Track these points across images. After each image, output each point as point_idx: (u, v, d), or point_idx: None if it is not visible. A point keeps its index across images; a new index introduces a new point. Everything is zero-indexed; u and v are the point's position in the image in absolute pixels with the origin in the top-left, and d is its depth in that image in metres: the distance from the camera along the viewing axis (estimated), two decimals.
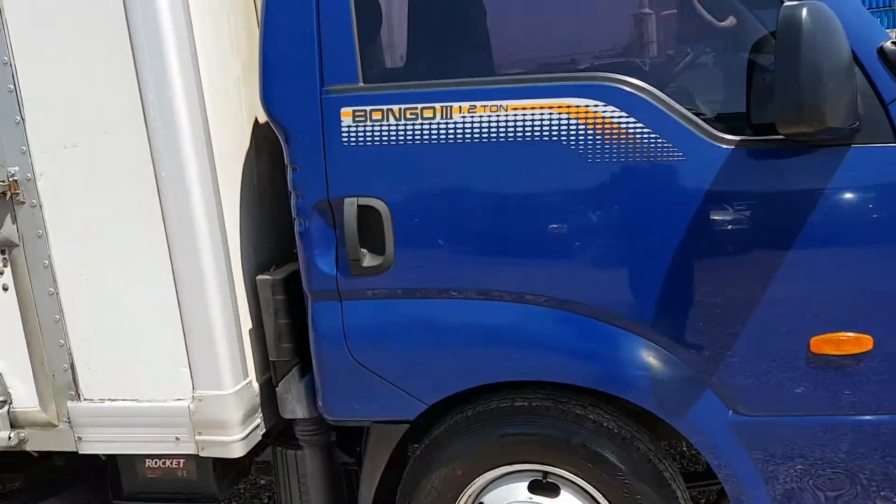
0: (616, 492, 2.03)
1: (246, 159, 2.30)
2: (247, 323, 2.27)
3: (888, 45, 1.74)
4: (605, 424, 2.02)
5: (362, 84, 1.99)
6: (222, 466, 2.47)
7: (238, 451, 2.23)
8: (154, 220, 2.11)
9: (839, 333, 1.83)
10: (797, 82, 1.58)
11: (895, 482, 1.90)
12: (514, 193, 1.94)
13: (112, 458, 2.56)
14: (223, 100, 2.19)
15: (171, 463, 2.52)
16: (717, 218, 1.83)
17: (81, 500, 2.72)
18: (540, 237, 1.93)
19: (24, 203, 2.19)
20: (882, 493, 1.92)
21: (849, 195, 1.78)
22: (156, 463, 2.53)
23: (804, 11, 1.56)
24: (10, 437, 2.34)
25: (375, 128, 1.97)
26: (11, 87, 2.13)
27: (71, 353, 2.28)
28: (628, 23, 2.05)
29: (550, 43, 2.07)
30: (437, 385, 2.06)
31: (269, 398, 2.33)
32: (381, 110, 1.96)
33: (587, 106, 1.85)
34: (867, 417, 1.88)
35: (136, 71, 2.03)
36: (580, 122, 1.86)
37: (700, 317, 1.89)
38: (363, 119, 1.97)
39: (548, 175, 1.90)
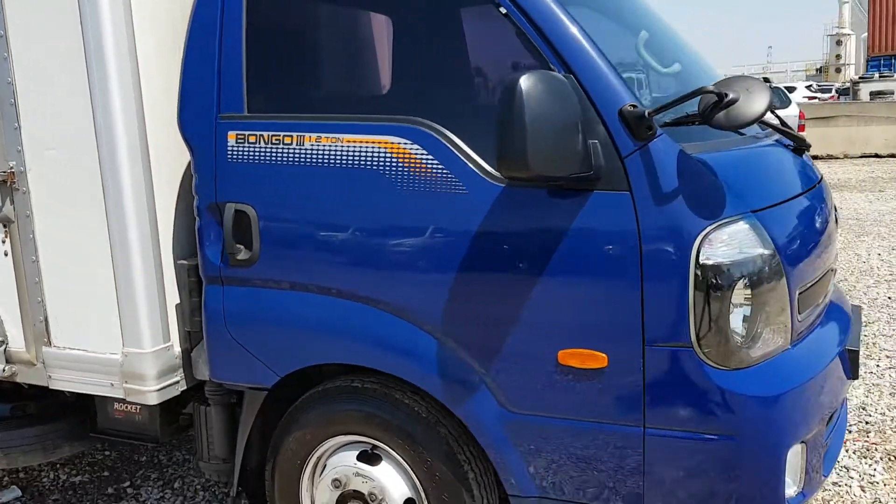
0: (420, 467, 2.40)
1: (185, 163, 2.84)
2: (174, 299, 2.82)
3: (627, 107, 2.03)
4: (417, 409, 2.39)
5: (246, 114, 2.49)
6: (167, 415, 3.04)
7: (152, 400, 2.77)
8: (101, 210, 2.71)
9: (582, 350, 2.13)
10: (509, 135, 1.91)
11: (628, 484, 2.16)
12: (344, 210, 2.37)
13: (91, 400, 3.20)
14: (162, 108, 2.72)
15: (131, 408, 3.12)
16: (486, 244, 2.18)
17: (70, 428, 3.36)
18: (361, 247, 2.35)
19: (18, 189, 2.85)
20: (622, 493, 2.18)
21: (586, 234, 2.08)
22: (121, 406, 3.15)
23: (523, 80, 1.90)
24: (3, 370, 3.01)
25: (251, 149, 2.46)
26: (12, 101, 2.80)
27: (45, 309, 2.92)
28: (434, 70, 2.41)
29: (379, 87, 2.47)
30: (286, 361, 2.52)
31: (189, 362, 2.87)
32: (256, 135, 2.46)
33: (399, 143, 2.25)
34: (607, 424, 2.15)
35: (90, 93, 2.63)
36: (394, 155, 2.26)
37: (475, 325, 2.23)
38: (243, 141, 2.47)
39: (369, 197, 2.32)
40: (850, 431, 3.78)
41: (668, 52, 3.08)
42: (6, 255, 2.95)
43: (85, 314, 2.85)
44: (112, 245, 2.71)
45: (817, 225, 2.43)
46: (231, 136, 2.49)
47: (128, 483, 3.73)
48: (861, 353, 3.19)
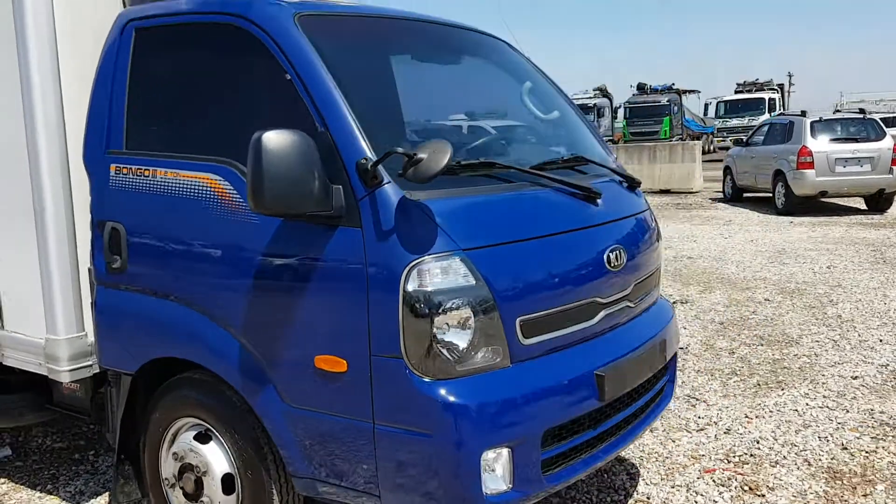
0: (234, 447, 2.89)
1: None
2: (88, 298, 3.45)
3: (361, 160, 2.46)
4: (234, 399, 2.89)
5: (123, 150, 3.09)
6: (94, 392, 3.68)
7: (65, 378, 3.41)
8: (31, 221, 3.37)
9: (330, 356, 2.57)
10: (252, 180, 2.38)
11: (367, 469, 2.57)
12: (177, 231, 2.91)
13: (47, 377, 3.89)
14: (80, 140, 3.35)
15: (74, 386, 3.79)
16: (267, 264, 2.66)
17: (33, 399, 4.04)
18: (187, 261, 2.88)
19: None
20: (364, 477, 2.59)
21: (333, 260, 2.52)
22: (67, 384, 3.82)
23: (264, 136, 2.36)
24: None
25: (124, 179, 3.06)
26: None
27: (0, 298, 3.64)
28: (241, 118, 2.88)
29: (208, 132, 2.98)
30: (142, 353, 3.09)
31: None
32: (127, 167, 3.05)
33: (214, 178, 2.78)
34: (349, 419, 2.57)
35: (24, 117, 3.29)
36: (211, 188, 2.79)
37: (260, 331, 2.71)
38: (119, 172, 3.07)
39: (193, 221, 2.86)
40: (727, 461, 3.95)
41: (547, 101, 3.48)
42: None
43: (25, 305, 3.54)
44: (38, 250, 3.38)
45: (568, 262, 2.75)
46: (112, 168, 3.10)
47: (92, 452, 4.41)
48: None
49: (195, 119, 3.01)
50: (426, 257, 2.42)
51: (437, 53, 3.41)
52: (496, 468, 2.50)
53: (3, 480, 4.12)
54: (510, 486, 2.53)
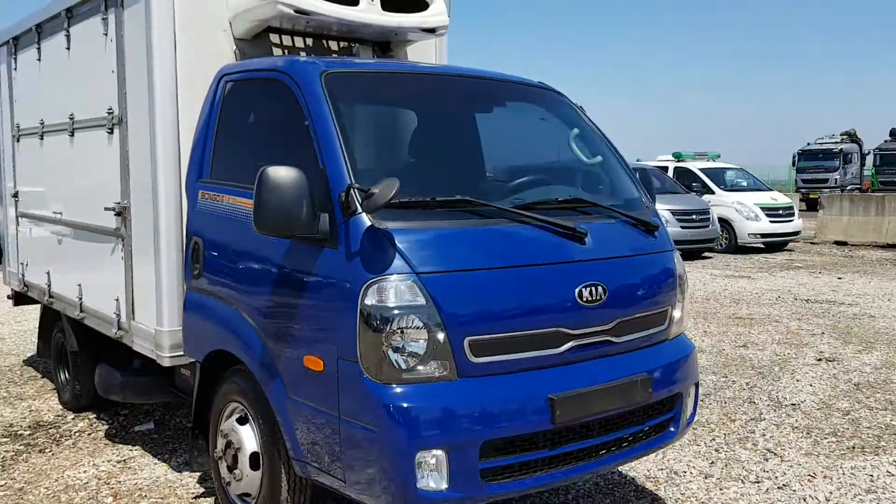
0: (259, 430, 3.47)
1: None
2: None
3: (341, 194, 2.94)
4: (260, 389, 3.47)
5: (208, 179, 3.81)
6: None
7: (166, 363, 4.18)
8: (153, 237, 4.20)
9: (312, 356, 3.06)
10: (255, 204, 2.95)
11: (335, 455, 3.01)
12: (229, 244, 3.57)
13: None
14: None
15: (187, 372, 4.59)
16: (277, 275, 3.23)
17: (159, 382, 4.90)
18: (231, 269, 3.52)
19: (127, 218, 4.49)
20: (337, 463, 3.03)
21: (318, 275, 3.02)
22: (184, 371, 4.63)
23: (267, 170, 2.93)
24: (115, 333, 4.68)
25: (205, 202, 3.78)
26: (127, 164, 4.45)
27: (133, 296, 4.52)
28: (273, 152, 3.45)
29: (252, 164, 3.57)
30: (205, 346, 3.77)
31: None
32: (208, 193, 3.77)
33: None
34: (324, 412, 3.03)
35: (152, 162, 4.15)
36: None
37: (273, 332, 3.27)
38: (203, 197, 3.80)
39: (237, 237, 3.50)
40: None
41: (592, 146, 3.82)
42: (121, 259, 4.61)
43: (147, 302, 4.38)
44: (154, 258, 4.21)
45: (528, 293, 3.04)
46: (200, 193, 3.84)
47: None
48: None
49: (249, 153, 3.64)
50: (383, 277, 2.85)
51: (452, 102, 3.82)
52: (433, 468, 2.84)
53: (138, 447, 5.01)
54: (446, 486, 2.86)
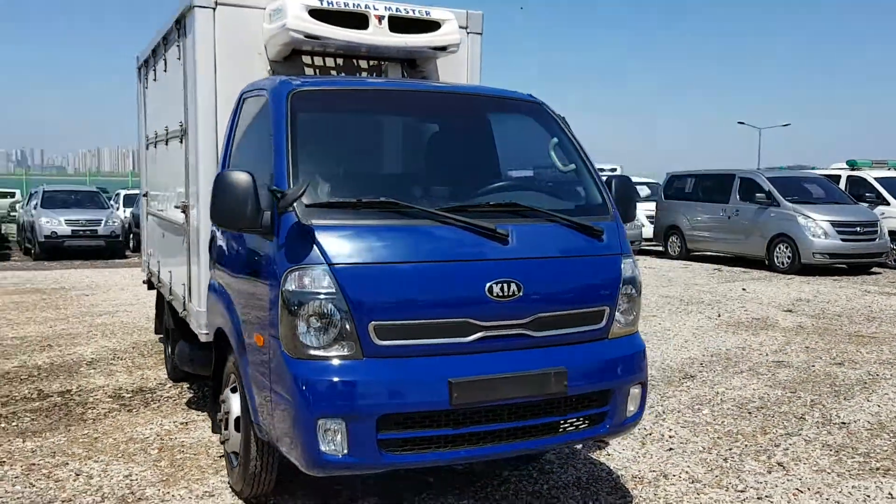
0: (241, 396, 4.04)
1: None
2: None
3: (278, 193, 3.43)
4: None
5: None
6: None
7: (203, 339, 4.89)
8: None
9: (257, 334, 3.58)
10: (210, 203, 3.52)
11: (272, 422, 3.50)
12: (226, 237, 4.17)
13: None
14: None
15: None
16: (245, 262, 3.78)
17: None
18: (225, 256, 4.13)
19: (189, 214, 5.26)
20: (272, 429, 3.53)
21: (264, 263, 3.54)
22: None
23: (219, 175, 3.49)
24: (182, 313, 5.48)
25: None
26: (195, 167, 5.22)
27: (190, 280, 5.28)
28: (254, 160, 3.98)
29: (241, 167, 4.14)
30: (213, 323, 4.40)
31: None
32: None
33: None
34: (264, 381, 3.53)
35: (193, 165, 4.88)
36: None
37: (240, 312, 3.83)
38: None
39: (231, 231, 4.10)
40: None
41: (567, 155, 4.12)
42: (186, 250, 5.39)
43: (197, 289, 5.12)
44: (197, 252, 4.93)
45: (435, 286, 3.37)
46: None
47: None
48: None
49: (246, 157, 4.21)
50: (300, 266, 3.31)
51: (412, 115, 4.18)
52: (334, 435, 3.25)
53: (204, 413, 5.78)
54: (346, 452, 3.26)
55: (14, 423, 5.54)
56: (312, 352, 3.31)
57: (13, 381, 6.76)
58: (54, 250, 18.53)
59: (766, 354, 7.91)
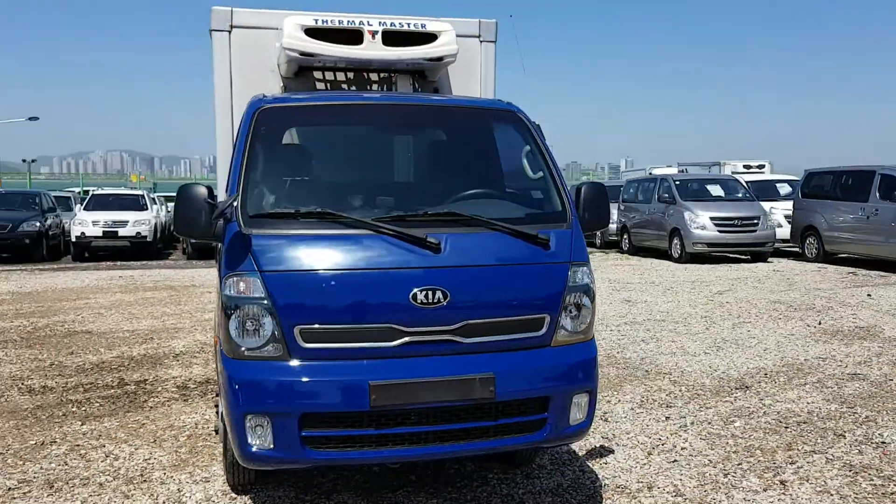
0: None
1: None
2: None
3: (223, 207, 3.70)
4: None
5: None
6: None
7: None
8: None
9: (215, 336, 3.88)
10: (173, 214, 3.85)
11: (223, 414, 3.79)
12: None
13: None
14: None
15: None
16: (218, 266, 4.08)
17: None
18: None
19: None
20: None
21: (218, 272, 3.82)
22: None
23: (180, 188, 3.83)
24: None
25: None
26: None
27: None
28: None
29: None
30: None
31: None
32: None
33: None
34: (219, 378, 3.82)
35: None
36: None
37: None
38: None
39: None
40: None
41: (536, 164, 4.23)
42: None
43: None
44: None
45: (359, 292, 3.52)
46: None
47: None
48: None
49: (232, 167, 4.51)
50: (235, 273, 3.58)
51: (371, 128, 4.32)
52: (261, 430, 3.49)
53: None
54: (272, 446, 3.49)
55: (83, 408, 6.21)
56: (245, 352, 3.56)
57: (104, 370, 7.53)
58: (85, 250, 20.17)
59: (846, 366, 7.40)
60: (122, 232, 20.16)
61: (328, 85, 5.34)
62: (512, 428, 3.72)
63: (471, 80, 5.51)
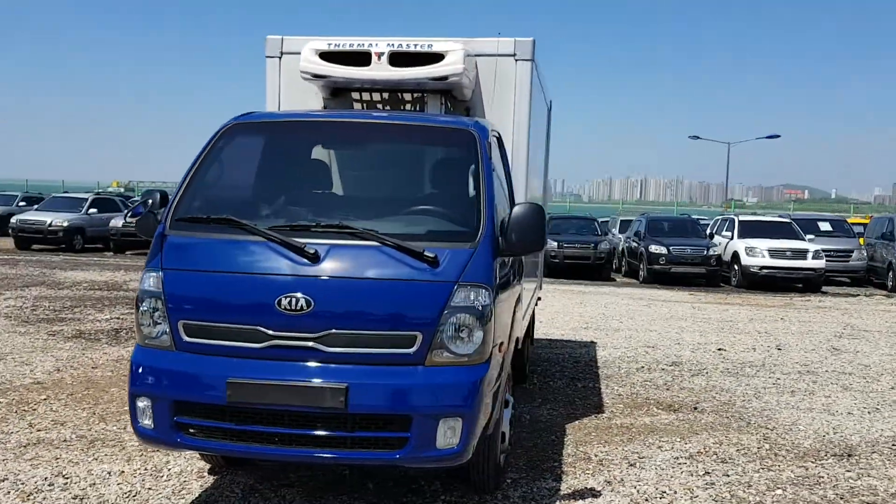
0: None
1: None
2: None
3: (163, 213, 4.15)
4: None
5: None
6: None
7: None
8: None
9: None
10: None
11: None
12: None
13: None
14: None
15: None
16: None
17: None
18: None
19: None
20: None
21: None
22: None
23: (146, 193, 4.37)
24: None
25: None
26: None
27: None
28: None
29: None
30: None
31: None
32: None
33: None
34: None
35: None
36: None
37: None
38: None
39: None
40: None
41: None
42: None
43: None
44: None
45: (231, 294, 3.75)
46: None
47: None
48: None
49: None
50: (147, 270, 4.01)
51: (336, 144, 4.50)
52: (146, 411, 3.86)
53: None
54: (153, 427, 3.85)
55: None
56: (146, 340, 3.98)
57: None
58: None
59: None
60: None
61: (364, 105, 5.61)
62: (369, 442, 3.70)
63: (505, 99, 5.45)
